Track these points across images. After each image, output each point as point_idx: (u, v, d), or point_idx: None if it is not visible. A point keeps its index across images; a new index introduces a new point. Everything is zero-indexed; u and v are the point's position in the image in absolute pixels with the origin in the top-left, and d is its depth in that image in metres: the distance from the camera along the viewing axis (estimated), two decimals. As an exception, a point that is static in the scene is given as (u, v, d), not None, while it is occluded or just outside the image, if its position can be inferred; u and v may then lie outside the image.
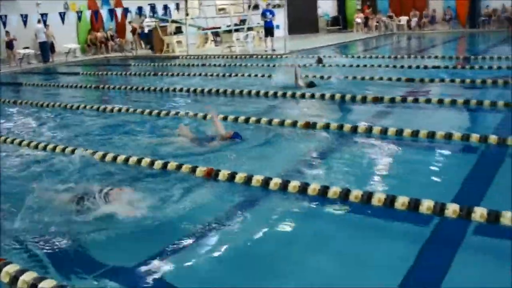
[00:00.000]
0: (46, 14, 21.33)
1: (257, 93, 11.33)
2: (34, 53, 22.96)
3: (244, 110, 9.58)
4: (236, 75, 14.66)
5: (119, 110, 10.35)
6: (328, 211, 5.04)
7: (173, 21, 24.29)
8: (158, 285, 3.84)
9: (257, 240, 4.47)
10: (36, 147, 7.75)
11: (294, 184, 5.36)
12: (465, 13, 27.31)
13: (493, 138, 6.73)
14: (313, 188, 5.24)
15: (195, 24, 24.99)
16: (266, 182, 5.52)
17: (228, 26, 23.16)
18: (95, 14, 23.65)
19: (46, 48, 22.61)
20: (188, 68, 18.00)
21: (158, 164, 6.39)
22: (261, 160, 6.72)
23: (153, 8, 23.11)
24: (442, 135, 7.02)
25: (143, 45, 26.57)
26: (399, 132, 7.29)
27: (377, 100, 9.78)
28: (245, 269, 4.06)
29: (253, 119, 8.52)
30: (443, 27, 28.00)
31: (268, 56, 19.72)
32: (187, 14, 26.11)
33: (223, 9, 29.49)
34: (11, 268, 3.83)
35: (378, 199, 4.89)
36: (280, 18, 22.35)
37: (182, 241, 4.46)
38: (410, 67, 13.98)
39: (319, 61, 15.74)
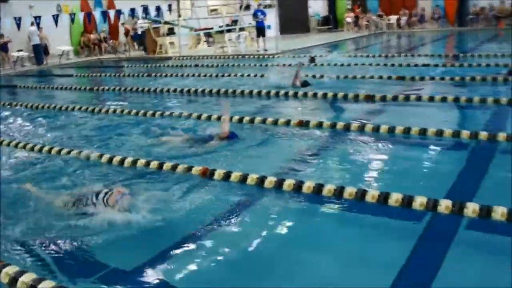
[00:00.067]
0: (39, 17, 21.25)
1: (250, 93, 11.33)
2: (28, 55, 22.83)
3: (238, 110, 9.56)
4: (229, 75, 14.65)
5: (114, 111, 10.32)
6: (323, 209, 5.05)
7: (166, 23, 24.23)
8: (156, 287, 3.84)
9: (253, 239, 4.47)
10: (32, 149, 7.71)
11: (289, 182, 5.37)
12: (454, 11, 27.41)
13: (483, 134, 6.77)
14: (308, 186, 5.25)
15: (187, 25, 24.95)
16: (261, 180, 5.52)
17: (220, 26, 23.13)
18: (88, 16, 23.56)
19: (40, 51, 22.50)
20: (181, 68, 17.98)
21: (154, 164, 6.38)
22: (257, 159, 6.73)
23: (145, 9, 23.07)
24: (434, 132, 7.05)
25: (136, 47, 26.50)
26: (391, 130, 7.32)
27: (369, 98, 9.81)
28: (242, 268, 4.05)
29: (246, 118, 8.52)
30: (432, 26, 28.08)
31: (260, 56, 19.72)
32: (179, 15, 26.08)
33: (215, 10, 29.44)
34: (10, 270, 3.82)
35: (372, 196, 4.91)
36: (272, 18, 22.35)
37: (180, 242, 4.44)
38: (400, 65, 14.02)
39: (312, 60, 15.76)
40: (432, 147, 6.87)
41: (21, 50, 22.68)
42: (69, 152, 7.23)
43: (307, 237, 4.57)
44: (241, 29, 22.93)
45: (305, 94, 10.65)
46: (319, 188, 5.19)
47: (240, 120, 8.50)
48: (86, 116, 10.32)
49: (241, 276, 3.94)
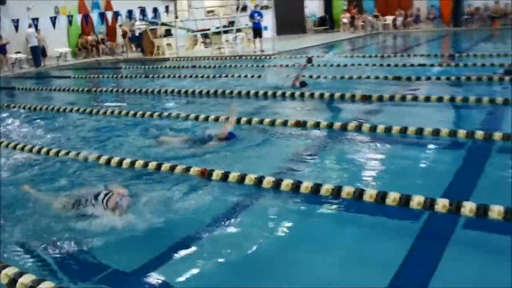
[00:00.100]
0: (37, 19, 21.21)
1: (247, 94, 11.32)
2: (26, 57, 22.79)
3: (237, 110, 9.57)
4: (226, 76, 14.64)
5: (112, 112, 10.29)
6: (321, 208, 5.05)
7: (163, 24, 24.21)
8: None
9: (252, 239, 4.45)
10: (30, 150, 7.69)
11: (287, 182, 5.37)
12: (449, 12, 27.45)
13: (479, 134, 6.78)
14: (306, 186, 5.25)
15: (184, 27, 24.93)
16: (259, 180, 5.52)
17: (217, 28, 23.11)
18: (86, 18, 23.53)
19: (38, 53, 22.45)
20: (179, 70, 17.96)
21: (152, 165, 6.36)
22: (256, 159, 6.73)
23: (143, 11, 23.04)
24: (430, 131, 7.05)
25: (133, 48, 26.47)
26: (388, 129, 7.32)
27: (366, 98, 9.81)
28: (241, 269, 4.04)
29: (244, 119, 8.51)
30: (427, 26, 28.12)
31: (257, 57, 19.72)
32: (176, 17, 26.05)
33: (211, 11, 29.42)
34: (10, 271, 3.81)
35: (369, 195, 4.91)
36: (268, 19, 22.34)
37: (179, 243, 4.43)
38: (396, 65, 14.03)
39: (309, 61, 15.73)
40: (428, 146, 6.88)
41: (19, 52, 22.64)
42: (67, 153, 7.22)
43: (305, 236, 4.57)
44: (238, 30, 22.92)
45: (302, 95, 10.65)
46: (317, 188, 5.19)
47: (238, 121, 8.49)
48: (84, 118, 10.30)
49: (240, 276, 3.93)
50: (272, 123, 8.20)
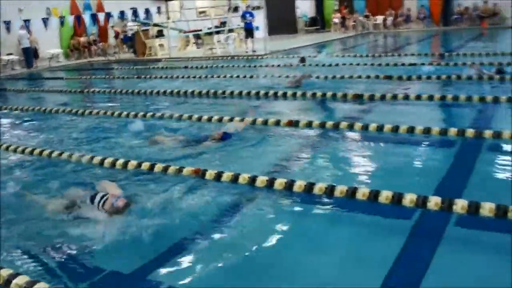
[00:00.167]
0: (29, 20, 21.09)
1: (240, 94, 11.31)
2: (18, 59, 22.66)
3: (228, 110, 9.57)
4: (218, 76, 14.62)
5: (105, 113, 10.24)
6: (314, 207, 5.05)
7: (155, 25, 24.15)
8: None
9: (246, 238, 4.45)
10: (22, 151, 7.64)
11: (280, 181, 5.36)
12: (439, 11, 27.57)
13: (470, 132, 6.81)
14: (299, 184, 5.24)
15: (176, 27, 24.87)
16: (253, 180, 5.51)
17: (209, 28, 23.07)
18: (78, 19, 23.41)
19: (30, 54, 22.33)
20: (171, 70, 17.90)
21: (145, 165, 6.33)
22: (250, 158, 6.71)
23: (134, 12, 22.95)
24: (421, 130, 7.08)
25: (125, 49, 26.38)
26: (380, 128, 7.34)
27: (357, 97, 9.83)
28: (237, 268, 4.03)
29: (237, 119, 8.49)
30: (417, 26, 28.23)
31: (249, 57, 19.71)
32: (168, 18, 25.98)
33: (203, 12, 29.38)
34: (4, 272, 3.79)
35: (362, 193, 4.91)
36: (260, 20, 22.34)
37: (175, 244, 4.40)
38: (387, 64, 14.06)
39: (302, 60, 15.77)
40: (420, 145, 6.90)
41: (11, 54, 22.50)
42: (60, 155, 7.17)
43: (298, 235, 4.57)
44: (230, 31, 22.90)
45: (294, 94, 10.65)
46: (310, 186, 5.18)
47: (231, 121, 8.47)
48: (76, 119, 10.25)
49: (235, 276, 3.92)
50: (265, 123, 8.19)
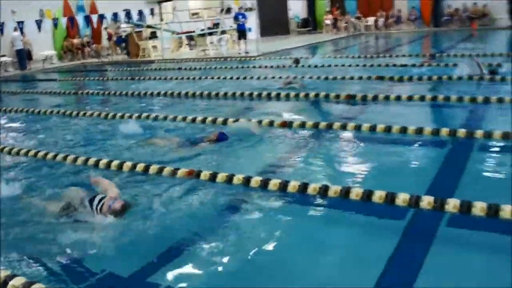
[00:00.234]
0: (22, 22, 20.99)
1: (233, 95, 11.31)
2: (11, 60, 22.54)
3: (222, 111, 9.57)
4: (212, 77, 14.62)
5: (99, 114, 10.21)
6: (308, 207, 5.06)
7: (148, 26, 24.10)
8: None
9: (241, 239, 4.46)
10: (17, 153, 7.61)
11: (274, 182, 5.37)
12: (429, 13, 27.67)
13: (461, 132, 6.85)
14: (293, 185, 5.26)
15: (169, 29, 24.83)
16: (247, 180, 5.52)
17: (202, 30, 23.05)
18: (71, 21, 23.33)
19: (23, 56, 22.22)
20: (164, 72, 17.87)
21: (140, 167, 6.32)
22: (247, 159, 6.76)
23: (128, 13, 22.90)
24: (414, 130, 7.11)
25: (119, 51, 26.30)
26: (373, 128, 7.37)
27: (350, 98, 9.86)
28: (231, 269, 4.04)
29: (230, 120, 8.50)
30: (408, 27, 28.32)
31: (242, 58, 19.72)
32: (161, 19, 25.93)
33: (196, 13, 29.36)
34: (1, 273, 3.77)
35: (356, 193, 4.93)
36: (252, 21, 22.34)
37: (171, 247, 4.39)
38: (379, 65, 14.10)
39: (296, 61, 15.77)
40: (412, 144, 6.93)
41: (4, 55, 22.39)
42: (55, 156, 7.14)
43: (292, 235, 4.58)
44: (223, 32, 22.89)
45: (287, 95, 10.66)
46: (304, 186, 5.20)
47: (225, 122, 8.48)
48: (70, 120, 10.21)
49: (232, 276, 3.93)
50: (259, 124, 8.18)
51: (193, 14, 29.17)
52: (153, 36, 24.02)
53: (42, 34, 22.49)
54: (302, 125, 7.93)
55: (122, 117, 9.74)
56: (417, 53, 17.29)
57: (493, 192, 5.02)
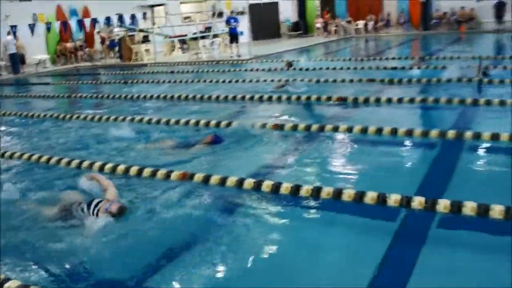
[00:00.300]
0: (15, 26, 20.88)
1: (226, 98, 11.30)
2: (5, 64, 22.39)
3: (215, 114, 9.55)
4: (204, 80, 14.60)
5: (92, 118, 10.16)
6: (301, 208, 5.06)
7: (141, 30, 24.04)
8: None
9: (236, 240, 4.46)
10: (10, 156, 7.56)
11: (267, 184, 5.37)
12: (418, 16, 27.79)
13: (451, 133, 6.88)
14: (286, 186, 5.26)
15: (162, 33, 24.79)
16: (240, 182, 5.51)
17: (194, 33, 23.02)
18: (64, 25, 23.22)
19: (16, 60, 22.06)
20: (157, 75, 17.82)
21: (133, 170, 6.29)
22: (241, 161, 6.76)
23: (120, 17, 22.83)
24: (404, 131, 7.13)
25: (112, 54, 26.21)
26: (364, 130, 7.38)
27: (341, 100, 9.88)
28: (230, 269, 4.03)
29: (223, 123, 8.48)
30: (397, 30, 28.42)
31: (234, 62, 19.71)
32: (153, 23, 25.86)
33: (188, 17, 29.33)
34: (-5, 277, 3.75)
35: (348, 195, 4.94)
36: (244, 25, 22.35)
37: (168, 249, 4.38)
38: (370, 68, 14.14)
39: (289, 65, 15.77)
40: (403, 146, 6.95)
41: (-3, 60, 22.25)
42: (48, 160, 7.10)
43: (285, 236, 4.58)
44: (215, 36, 22.88)
45: (279, 98, 10.67)
46: (297, 188, 5.20)
47: (218, 125, 8.47)
48: (64, 124, 10.14)
49: (226, 278, 3.92)
50: (252, 126, 8.17)
51: (185, 18, 29.13)
52: (146, 40, 23.96)
53: (35, 38, 22.37)
54: (294, 128, 7.93)
55: (115, 120, 9.69)
56: (406, 56, 17.35)
57: (483, 192, 5.05)
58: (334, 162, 6.52)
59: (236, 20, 21.36)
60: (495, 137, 6.60)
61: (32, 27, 21.52)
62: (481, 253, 3.98)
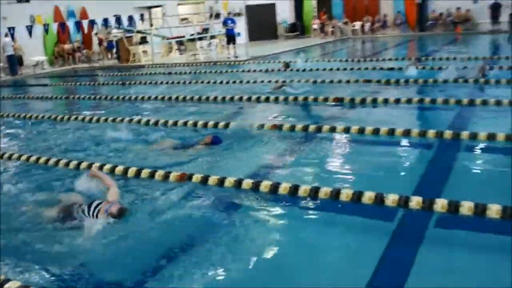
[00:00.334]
0: (13, 28, 20.84)
1: (223, 98, 11.30)
2: (2, 66, 22.34)
3: (213, 115, 9.54)
4: (202, 81, 14.59)
5: (90, 119, 10.13)
6: (299, 208, 5.06)
7: (138, 32, 24.01)
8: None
9: (234, 242, 4.45)
10: (9, 158, 7.54)
11: (265, 184, 5.38)
12: (414, 17, 27.83)
13: (448, 133, 6.90)
14: (284, 187, 5.26)
15: (159, 34, 24.77)
16: (239, 183, 5.51)
17: (192, 35, 23.01)
18: (62, 26, 23.17)
19: (14, 61, 22.01)
20: (154, 76, 17.80)
21: (132, 171, 6.28)
22: (240, 161, 6.75)
23: (118, 19, 22.81)
24: (401, 132, 7.14)
25: (109, 56, 26.17)
26: (361, 130, 7.39)
27: (338, 101, 9.89)
28: (227, 269, 4.03)
29: (221, 123, 8.48)
30: (394, 31, 28.45)
31: (231, 63, 19.71)
32: (151, 25, 25.81)
33: (185, 18, 29.32)
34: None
35: (346, 195, 4.95)
36: (241, 26, 22.35)
37: (168, 251, 4.36)
38: (366, 69, 14.15)
39: (286, 66, 15.77)
40: (400, 146, 6.96)
41: (-5, 61, 22.20)
42: (47, 161, 7.08)
43: (283, 236, 4.58)
44: (212, 37, 22.87)
45: (276, 99, 10.67)
46: (295, 188, 5.20)
47: (216, 125, 8.47)
48: (61, 125, 10.10)
49: (225, 278, 3.92)
50: (250, 127, 8.16)
51: (183, 19, 29.12)
52: (143, 41, 23.93)
53: (33, 40, 22.31)
54: (292, 128, 7.93)
55: (113, 121, 9.67)
56: (403, 56, 17.38)
57: (480, 191, 5.06)
58: (332, 162, 6.53)
59: (233, 22, 21.36)
60: (491, 137, 6.62)
61: (30, 28, 21.47)
62: (478, 253, 3.99)
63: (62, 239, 4.53)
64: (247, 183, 5.48)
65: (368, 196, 4.83)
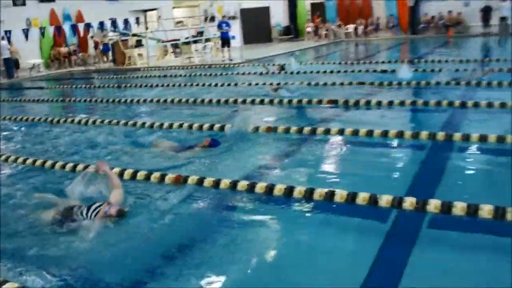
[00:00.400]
0: (9, 31, 20.77)
1: (218, 101, 11.29)
2: (-2, 69, 22.26)
3: (207, 118, 9.53)
4: (197, 84, 14.57)
5: (86, 122, 10.10)
6: (294, 210, 5.06)
7: (134, 35, 23.98)
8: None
9: (232, 243, 4.45)
10: (6, 160, 7.51)
11: (260, 185, 5.38)
12: (407, 20, 27.93)
13: (440, 135, 6.92)
14: (279, 188, 5.26)
15: (154, 37, 24.75)
16: (234, 185, 5.51)
17: (187, 38, 23.01)
18: (58, 29, 23.12)
19: (10, 64, 21.93)
20: (150, 79, 17.78)
21: (128, 173, 6.26)
22: (237, 164, 6.72)
23: (114, 22, 22.78)
24: (394, 133, 7.16)
25: (105, 59, 26.12)
26: (355, 132, 7.40)
27: (332, 103, 9.90)
28: (224, 269, 4.02)
29: (217, 126, 8.47)
30: (386, 34, 28.55)
31: (226, 65, 19.72)
32: (146, 28, 25.79)
33: (180, 22, 29.31)
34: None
35: (340, 196, 4.95)
36: (236, 29, 22.37)
37: (166, 253, 4.34)
38: (360, 71, 14.18)
39: (281, 68, 15.77)
40: (393, 147, 6.98)
41: (-9, 64, 22.10)
42: (43, 164, 7.05)
43: (278, 237, 4.58)
44: (207, 40, 22.87)
45: (271, 101, 10.68)
46: (290, 189, 5.20)
47: (211, 127, 8.46)
48: (57, 128, 10.06)
49: (223, 280, 3.91)
50: (245, 130, 8.16)
51: (178, 22, 29.13)
52: (139, 44, 23.90)
53: (29, 43, 22.23)
54: (287, 130, 7.93)
55: (109, 124, 9.65)
56: (396, 59, 17.43)
57: (473, 192, 5.08)
58: (327, 164, 6.53)
59: (227, 25, 21.40)
60: (483, 138, 6.64)
61: (26, 31, 21.40)
62: (471, 253, 4.00)
63: (62, 241, 4.51)
64: (242, 184, 5.47)
65: (362, 197, 4.84)
